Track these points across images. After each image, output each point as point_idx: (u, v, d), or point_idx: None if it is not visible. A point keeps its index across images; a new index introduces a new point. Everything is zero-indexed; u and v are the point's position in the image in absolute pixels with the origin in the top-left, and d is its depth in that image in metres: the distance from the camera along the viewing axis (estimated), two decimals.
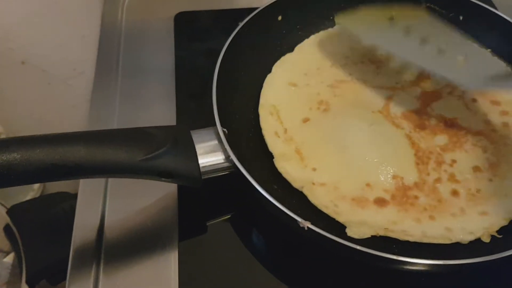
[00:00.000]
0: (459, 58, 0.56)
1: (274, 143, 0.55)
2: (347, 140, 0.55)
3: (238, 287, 0.50)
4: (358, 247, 0.42)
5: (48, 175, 0.41)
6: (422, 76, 0.62)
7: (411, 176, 0.53)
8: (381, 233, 0.48)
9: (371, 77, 0.62)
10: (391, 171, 0.53)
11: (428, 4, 0.64)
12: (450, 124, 0.57)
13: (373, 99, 0.59)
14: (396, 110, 0.58)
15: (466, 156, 0.55)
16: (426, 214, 0.50)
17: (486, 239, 0.49)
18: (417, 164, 0.54)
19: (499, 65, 0.61)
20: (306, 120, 0.57)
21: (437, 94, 0.60)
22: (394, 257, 0.42)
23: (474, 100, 0.60)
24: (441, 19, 0.59)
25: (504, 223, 0.50)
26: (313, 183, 0.51)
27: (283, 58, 0.62)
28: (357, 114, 0.57)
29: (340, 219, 0.49)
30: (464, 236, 0.49)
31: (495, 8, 0.72)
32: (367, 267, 0.49)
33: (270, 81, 0.60)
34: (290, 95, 0.59)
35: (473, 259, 0.43)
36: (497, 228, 0.50)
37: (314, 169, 0.53)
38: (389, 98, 0.59)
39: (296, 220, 0.43)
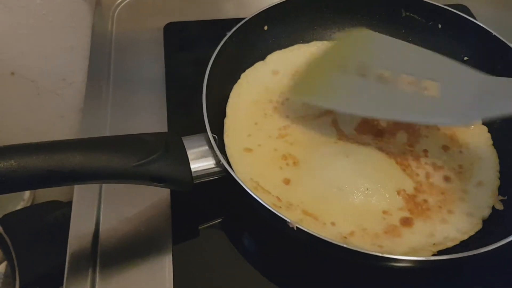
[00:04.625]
0: (431, 85, 0.52)
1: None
2: (339, 182, 0.53)
3: None
4: (345, 246, 0.44)
5: (45, 181, 0.42)
6: None
7: (408, 184, 0.54)
8: (434, 249, 0.49)
9: (304, 110, 0.60)
10: (392, 188, 0.54)
11: (407, 13, 0.66)
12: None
13: (323, 130, 0.59)
14: (348, 130, 0.59)
15: (429, 141, 0.58)
16: (445, 211, 0.53)
17: (500, 207, 0.52)
18: (404, 170, 0.56)
19: (480, 81, 0.53)
20: (287, 181, 0.54)
21: None
22: (379, 254, 0.44)
23: None
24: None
25: (498, 183, 0.55)
26: (345, 237, 0.50)
27: (225, 127, 0.58)
28: (326, 153, 0.56)
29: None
30: (485, 212, 0.52)
31: (474, 17, 0.75)
32: (360, 267, 0.50)
33: (231, 155, 0.55)
34: (255, 163, 0.56)
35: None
36: (497, 194, 0.54)
37: (334, 224, 0.51)
38: (334, 122, 0.59)
39: (285, 221, 0.45)
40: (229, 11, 0.81)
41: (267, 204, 0.46)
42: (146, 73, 0.69)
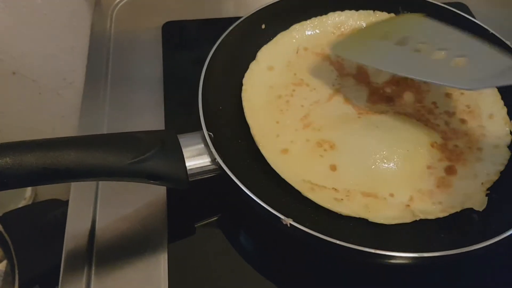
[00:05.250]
0: (460, 59, 0.53)
1: (337, 206, 0.52)
2: (381, 152, 0.55)
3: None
4: (338, 242, 0.44)
5: (40, 179, 0.43)
6: (338, 64, 0.65)
7: (436, 136, 0.57)
8: (484, 188, 0.53)
9: (314, 95, 0.61)
10: (426, 143, 0.56)
11: (405, 12, 0.66)
12: (396, 82, 0.63)
13: (340, 109, 0.60)
14: (362, 103, 0.61)
15: (433, 94, 0.62)
16: (475, 150, 0.57)
17: None
18: (426, 125, 0.59)
19: (504, 61, 0.53)
20: (333, 167, 0.55)
21: (361, 70, 0.64)
22: (373, 251, 0.44)
23: None
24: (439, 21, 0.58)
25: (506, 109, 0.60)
26: (408, 205, 0.52)
27: (255, 138, 0.57)
28: (356, 129, 0.58)
29: (465, 205, 0.52)
30: (507, 140, 0.57)
31: (473, 16, 0.75)
32: (355, 263, 0.51)
33: (273, 162, 0.55)
34: (297, 161, 0.55)
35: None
36: (509, 120, 0.59)
37: (392, 195, 0.53)
38: (346, 100, 0.61)
39: (279, 218, 0.45)
40: (228, 10, 0.82)
41: (262, 202, 0.46)
42: (144, 72, 0.70)
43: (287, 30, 0.66)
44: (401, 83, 0.63)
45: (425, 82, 0.61)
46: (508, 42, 0.60)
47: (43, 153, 0.42)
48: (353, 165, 0.55)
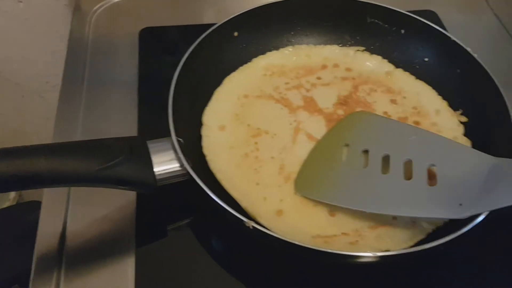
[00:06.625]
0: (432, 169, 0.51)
1: (355, 249, 0.50)
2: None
3: None
4: (299, 243, 0.45)
5: (10, 186, 0.45)
6: (284, 101, 0.64)
7: None
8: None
9: (278, 142, 0.60)
10: None
11: (372, 20, 0.68)
12: (344, 101, 0.64)
13: (309, 148, 0.59)
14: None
15: (380, 104, 0.64)
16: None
17: (464, 119, 0.62)
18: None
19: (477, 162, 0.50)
20: (331, 213, 0.54)
21: (308, 99, 0.64)
22: (336, 251, 0.46)
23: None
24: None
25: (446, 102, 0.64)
26: (414, 222, 0.52)
27: (239, 202, 0.54)
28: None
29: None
30: (461, 129, 0.61)
31: (441, 23, 0.77)
32: (322, 265, 0.52)
33: (273, 227, 0.50)
34: (296, 219, 0.53)
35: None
36: (453, 112, 0.63)
37: (395, 217, 0.53)
38: (310, 137, 0.60)
39: (242, 220, 0.46)
40: (207, 17, 0.82)
41: (225, 204, 0.47)
42: (120, 77, 0.71)
43: (221, 85, 0.65)
44: (348, 101, 0.63)
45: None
46: (468, 49, 0.61)
47: (13, 161, 0.44)
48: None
